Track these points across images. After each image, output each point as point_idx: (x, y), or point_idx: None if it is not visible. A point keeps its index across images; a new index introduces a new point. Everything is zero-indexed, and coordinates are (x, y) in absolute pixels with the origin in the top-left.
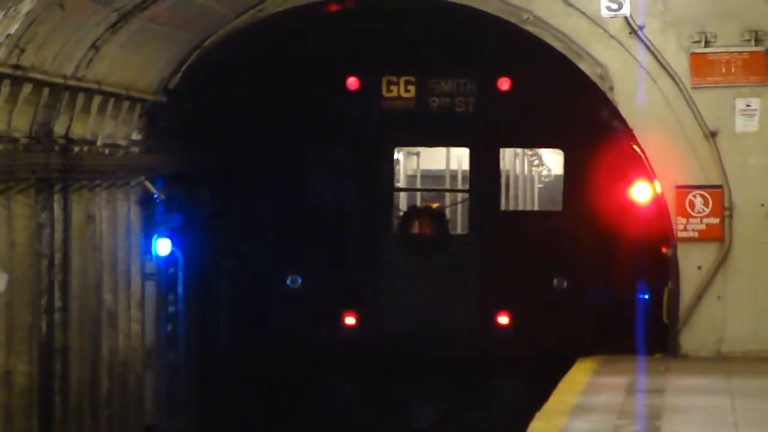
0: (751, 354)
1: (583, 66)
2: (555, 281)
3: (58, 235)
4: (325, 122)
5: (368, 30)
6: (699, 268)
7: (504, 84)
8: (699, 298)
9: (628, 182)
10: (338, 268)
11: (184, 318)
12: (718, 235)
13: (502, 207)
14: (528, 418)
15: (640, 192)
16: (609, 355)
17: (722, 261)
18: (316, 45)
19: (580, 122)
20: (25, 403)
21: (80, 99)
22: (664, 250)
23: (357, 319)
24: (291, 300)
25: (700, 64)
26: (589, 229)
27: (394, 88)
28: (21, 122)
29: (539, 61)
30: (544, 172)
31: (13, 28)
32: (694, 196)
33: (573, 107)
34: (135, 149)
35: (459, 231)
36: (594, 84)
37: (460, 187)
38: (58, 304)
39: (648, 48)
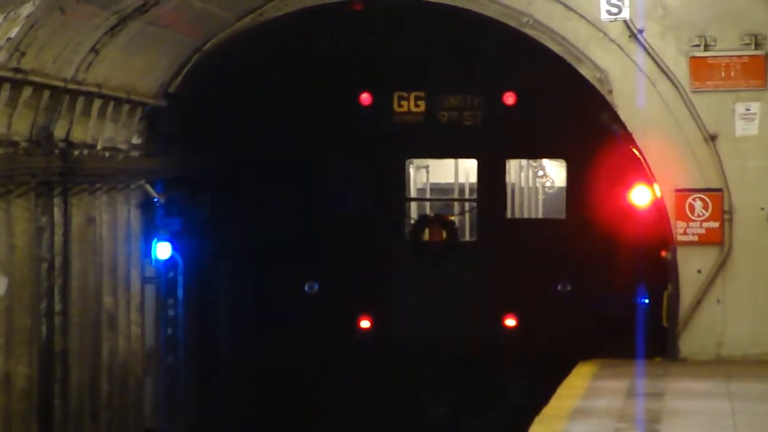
0: (750, 358)
1: (583, 70)
2: (559, 285)
3: (58, 239)
4: (340, 135)
5: (376, 43)
6: (699, 271)
7: (509, 98)
8: (699, 302)
9: (630, 190)
10: (353, 274)
11: (184, 321)
12: (718, 239)
13: (508, 215)
14: (532, 417)
15: (640, 196)
16: (608, 359)
17: (722, 265)
18: (324, 56)
19: (581, 134)
20: (24, 406)
21: (80, 102)
22: (663, 253)
23: (372, 322)
24: (308, 305)
25: (700, 68)
26: (591, 235)
27: (404, 103)
28: (21, 126)
29: (543, 76)
30: (548, 183)
31: (14, 32)
32: (694, 200)
33: (575, 120)
34: (135, 153)
35: (467, 238)
36: (595, 91)
37: (465, 196)
38: (58, 307)
39: (648, 52)
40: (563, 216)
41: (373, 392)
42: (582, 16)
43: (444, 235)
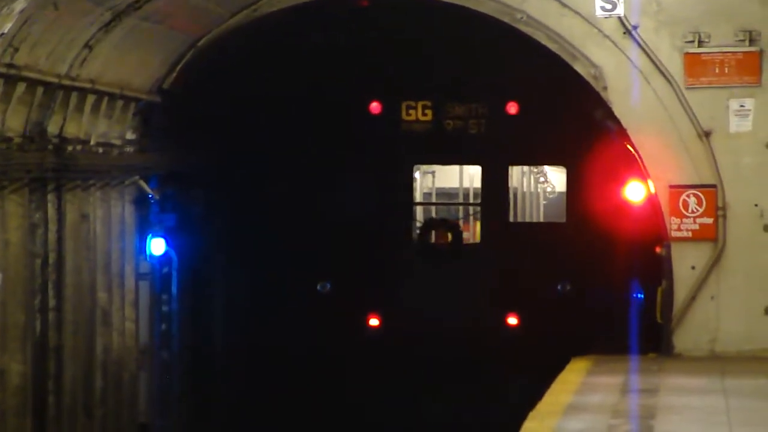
0: (744, 354)
1: (578, 67)
2: (559, 285)
3: (52, 235)
4: (350, 142)
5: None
6: (692, 268)
7: (512, 108)
8: (692, 298)
9: (632, 203)
10: (363, 274)
11: (178, 317)
12: (712, 235)
13: (511, 219)
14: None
15: (634, 192)
16: (602, 355)
17: (716, 261)
18: (319, 53)
19: (580, 142)
20: (18, 402)
21: (74, 98)
22: (657, 250)
23: (380, 321)
24: (321, 303)
25: (694, 64)
26: (590, 238)
27: (412, 112)
28: (15, 121)
29: (544, 86)
30: (548, 188)
31: (7, 27)
32: (688, 196)
33: (575, 128)
34: (129, 149)
35: (472, 241)
36: (590, 88)
37: (470, 200)
38: (52, 303)
39: (642, 48)
40: (564, 220)
41: (381, 387)
42: (576, 13)
43: (449, 237)
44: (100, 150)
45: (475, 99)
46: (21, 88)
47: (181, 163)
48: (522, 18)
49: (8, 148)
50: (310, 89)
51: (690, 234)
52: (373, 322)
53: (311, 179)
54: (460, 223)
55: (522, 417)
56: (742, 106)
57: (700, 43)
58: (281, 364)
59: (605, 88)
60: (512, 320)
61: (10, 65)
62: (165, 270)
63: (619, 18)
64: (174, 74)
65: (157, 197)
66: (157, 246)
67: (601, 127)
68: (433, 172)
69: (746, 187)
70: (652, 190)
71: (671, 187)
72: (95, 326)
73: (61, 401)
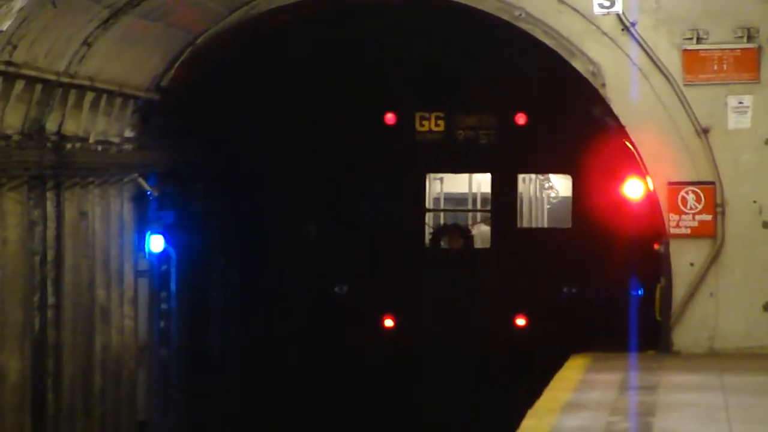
0: (743, 350)
1: (576, 64)
2: (565, 287)
3: (51, 232)
4: (367, 152)
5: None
6: (691, 264)
7: (521, 119)
8: (691, 295)
9: (630, 207)
10: (378, 277)
11: (177, 315)
12: (711, 232)
13: (519, 224)
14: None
15: (633, 189)
16: (601, 352)
17: (714, 258)
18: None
19: (585, 151)
20: (17, 400)
21: (72, 95)
22: (656, 246)
23: (395, 322)
24: (338, 305)
25: (693, 61)
26: (594, 242)
27: (426, 122)
28: (13, 119)
29: (551, 98)
30: (553, 194)
31: (5, 25)
32: (687, 193)
33: (579, 139)
34: (128, 146)
35: (481, 245)
36: (588, 85)
37: (478, 207)
38: (50, 300)
39: (640, 45)
40: (569, 225)
41: (395, 385)
42: (575, 10)
43: (461, 242)
44: (99, 147)
45: (486, 110)
46: (19, 85)
47: (180, 160)
48: (521, 15)
49: (7, 145)
50: (318, 91)
51: (689, 231)
52: (388, 323)
53: (328, 186)
54: (471, 228)
55: (523, 412)
56: (740, 102)
57: (699, 40)
58: (296, 363)
59: (604, 86)
60: (520, 321)
61: (8, 63)
62: (164, 267)
63: (618, 15)
64: (172, 72)
65: (156, 194)
66: (155, 243)
67: (604, 132)
68: (441, 179)
69: (745, 184)
70: (651, 187)
71: (670, 183)
72: (94, 324)
73: (60, 399)
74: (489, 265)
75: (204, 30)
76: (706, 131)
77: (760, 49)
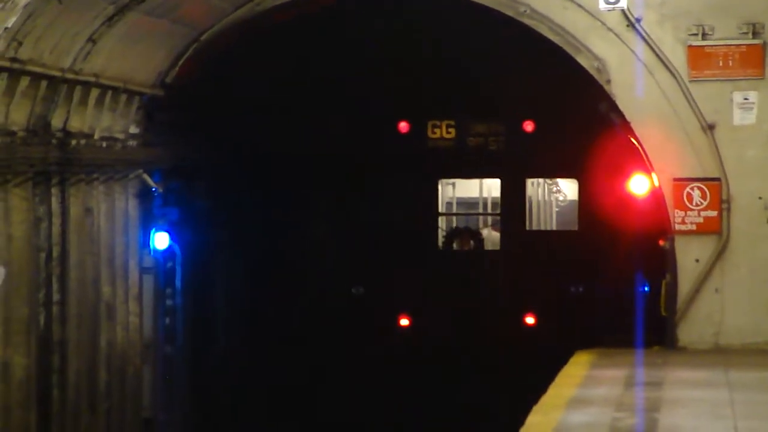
0: (749, 346)
1: (581, 59)
2: (572, 287)
3: (56, 229)
4: (383, 159)
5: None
6: (697, 261)
7: (529, 126)
8: (697, 291)
9: (635, 203)
10: (393, 278)
11: (182, 311)
12: (716, 228)
13: (527, 227)
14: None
15: (638, 185)
16: (607, 348)
17: (720, 254)
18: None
19: (591, 156)
20: (23, 396)
21: (78, 92)
22: (662, 242)
23: (410, 321)
24: (355, 305)
25: (698, 57)
26: (600, 243)
27: (437, 130)
28: (18, 115)
29: (558, 107)
30: (560, 197)
31: (11, 21)
32: (692, 189)
33: (585, 144)
34: (133, 143)
35: (492, 247)
36: (593, 81)
37: (488, 211)
38: (56, 297)
39: (645, 41)
40: (576, 227)
41: (410, 381)
42: (580, 6)
43: (472, 244)
44: (104, 144)
45: (495, 118)
46: (25, 82)
47: (185, 157)
48: (525, 11)
49: (12, 142)
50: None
51: (694, 227)
52: (404, 322)
53: (343, 190)
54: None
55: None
56: (746, 98)
57: (704, 36)
58: (315, 361)
59: (609, 81)
60: (530, 320)
61: (14, 59)
62: (169, 264)
63: (623, 11)
64: (177, 68)
65: (161, 191)
66: (160, 240)
67: (609, 138)
68: (453, 184)
69: (750, 180)
70: (656, 183)
71: (675, 180)
72: (99, 320)
73: (66, 395)
74: (499, 266)
75: (209, 26)
76: (711, 127)
77: (765, 45)
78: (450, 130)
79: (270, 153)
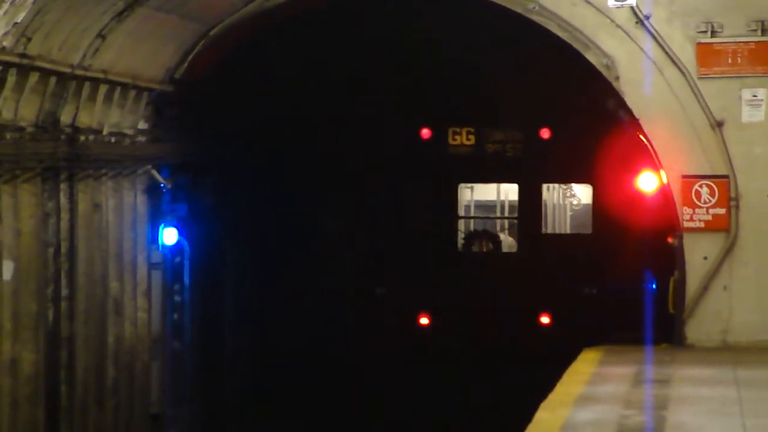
0: (757, 344)
1: (590, 56)
2: (586, 288)
3: (65, 224)
4: (406, 164)
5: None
6: (705, 258)
7: (545, 133)
8: (705, 288)
9: (647, 207)
10: (414, 278)
11: (190, 307)
12: (725, 226)
13: (543, 230)
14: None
15: (647, 182)
16: (614, 345)
17: (728, 251)
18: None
19: (604, 162)
20: (31, 391)
21: (86, 88)
22: (670, 240)
23: (430, 319)
24: (378, 304)
25: (707, 54)
26: (612, 246)
27: (458, 137)
28: (27, 111)
29: (572, 115)
30: (575, 201)
31: (20, 17)
32: (701, 186)
33: (599, 151)
34: (141, 138)
35: (509, 250)
36: (602, 78)
37: (506, 214)
38: (64, 292)
39: (654, 38)
40: (590, 231)
41: (429, 378)
42: (588, 2)
43: (490, 247)
44: (113, 140)
45: (512, 126)
46: (34, 78)
47: (193, 152)
48: (534, 8)
49: (21, 137)
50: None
51: (702, 224)
52: (423, 320)
53: (366, 193)
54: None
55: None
56: (754, 96)
57: (713, 33)
58: (335, 358)
59: (617, 78)
60: (545, 319)
61: (23, 55)
62: (177, 259)
63: (632, 8)
64: (186, 64)
65: (169, 186)
66: (169, 235)
67: (621, 145)
68: (472, 188)
69: (759, 177)
70: (665, 180)
71: (684, 177)
72: (107, 316)
73: (74, 391)
74: (516, 267)
75: (218, 22)
76: (720, 124)
77: None
78: (470, 137)
79: (294, 152)
